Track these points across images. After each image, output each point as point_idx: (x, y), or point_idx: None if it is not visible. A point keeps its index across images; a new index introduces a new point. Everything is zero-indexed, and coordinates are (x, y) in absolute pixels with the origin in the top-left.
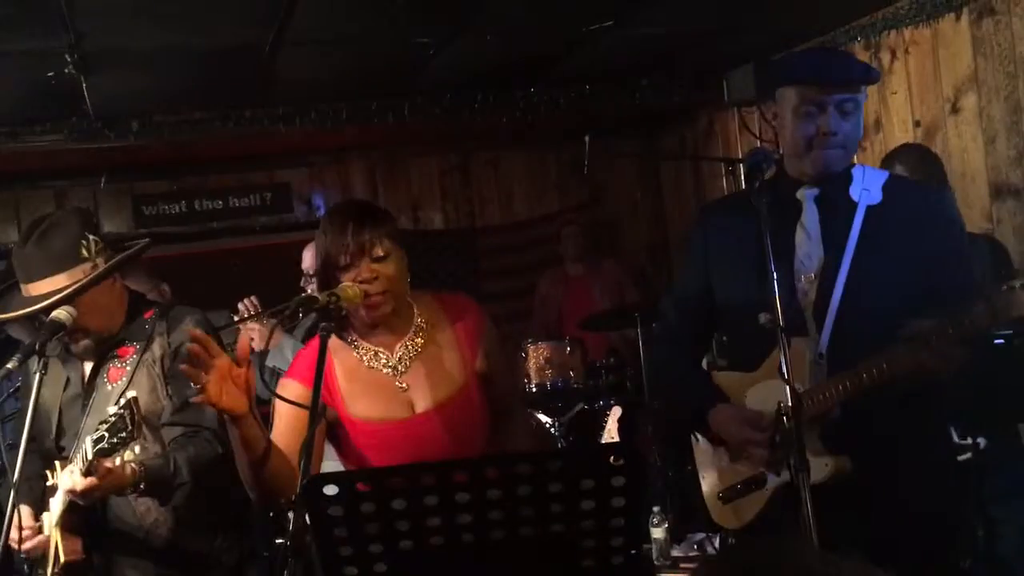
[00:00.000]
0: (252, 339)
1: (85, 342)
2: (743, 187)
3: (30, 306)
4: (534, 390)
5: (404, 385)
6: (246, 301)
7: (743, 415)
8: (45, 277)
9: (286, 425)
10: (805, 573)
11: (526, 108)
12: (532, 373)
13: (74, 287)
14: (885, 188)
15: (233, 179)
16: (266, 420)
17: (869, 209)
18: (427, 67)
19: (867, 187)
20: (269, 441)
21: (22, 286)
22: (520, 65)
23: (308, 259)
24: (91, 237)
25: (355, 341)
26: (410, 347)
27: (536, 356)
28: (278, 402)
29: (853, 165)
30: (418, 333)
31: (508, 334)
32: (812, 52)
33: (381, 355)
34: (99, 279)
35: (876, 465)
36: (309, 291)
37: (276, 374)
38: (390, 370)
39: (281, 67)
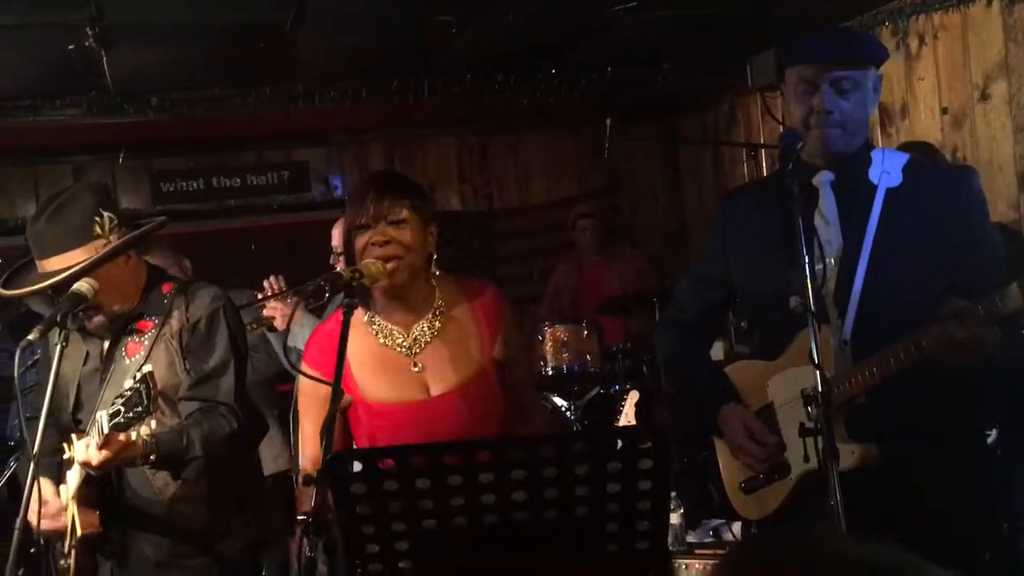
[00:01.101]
0: (274, 318)
1: (99, 319)
2: (764, 173)
3: (44, 282)
4: (550, 373)
5: (419, 366)
6: (271, 279)
7: (748, 423)
8: (58, 253)
9: (315, 411)
10: (839, 558)
11: (547, 90)
12: (549, 356)
13: (82, 264)
14: (905, 170)
15: (251, 157)
16: (285, 399)
17: (889, 192)
18: (448, 47)
19: (887, 170)
20: None
21: (37, 262)
22: (541, 47)
23: (337, 236)
24: (106, 214)
25: (373, 318)
26: (427, 328)
27: (553, 339)
28: (303, 388)
29: (872, 148)
30: (436, 315)
31: (522, 318)
32: (811, 32)
33: (397, 334)
34: (110, 256)
35: (903, 453)
36: (339, 268)
37: (298, 354)
38: (404, 350)
39: (302, 45)
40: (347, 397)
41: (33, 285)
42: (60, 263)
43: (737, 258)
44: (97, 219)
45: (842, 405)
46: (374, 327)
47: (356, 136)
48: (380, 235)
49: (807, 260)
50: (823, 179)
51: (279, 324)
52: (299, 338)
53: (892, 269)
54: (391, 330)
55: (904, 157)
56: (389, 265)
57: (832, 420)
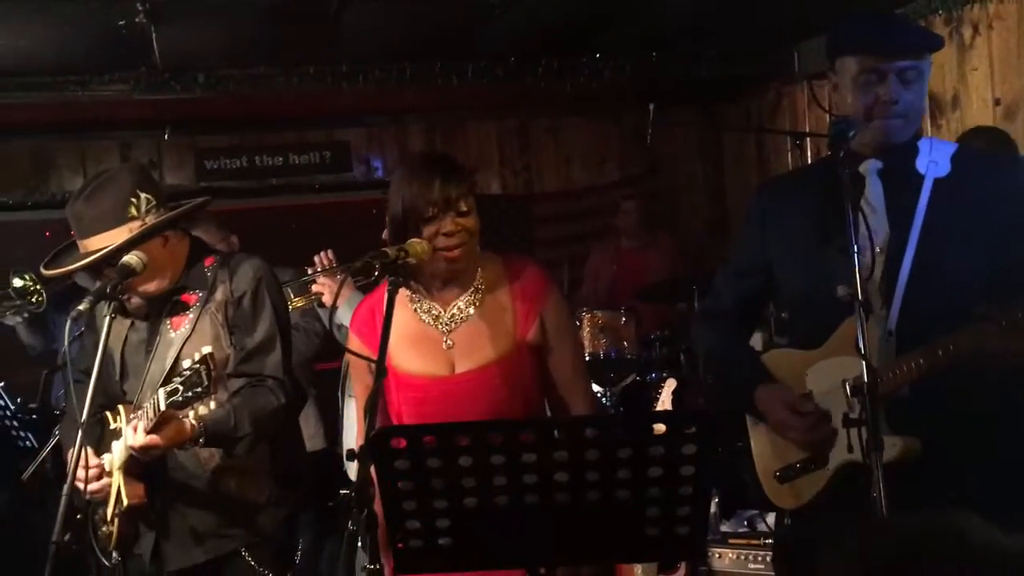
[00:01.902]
0: (323, 293)
1: (136, 300)
2: (809, 162)
3: (80, 261)
4: (587, 358)
5: (450, 342)
6: (322, 254)
7: (787, 397)
8: (95, 234)
9: (363, 382)
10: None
11: (590, 75)
12: (586, 341)
13: (116, 245)
14: (954, 160)
15: (293, 136)
16: (327, 374)
17: (937, 182)
18: (492, 29)
19: (935, 159)
20: None
21: (78, 242)
22: (586, 30)
23: None
24: (143, 195)
25: (415, 292)
26: (463, 306)
27: (591, 324)
28: (353, 361)
29: (920, 137)
30: (475, 294)
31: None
32: (870, 18)
33: (435, 310)
34: (144, 238)
35: (947, 447)
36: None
37: (346, 332)
38: (441, 326)
39: (346, 25)
40: None
41: (71, 264)
42: (98, 243)
43: (777, 247)
44: (133, 200)
45: (884, 396)
46: (415, 304)
47: (397, 117)
48: (452, 225)
49: (856, 249)
50: (870, 167)
51: (327, 299)
52: (346, 316)
53: (938, 260)
54: (430, 305)
55: (952, 147)
56: (455, 252)
57: (877, 412)
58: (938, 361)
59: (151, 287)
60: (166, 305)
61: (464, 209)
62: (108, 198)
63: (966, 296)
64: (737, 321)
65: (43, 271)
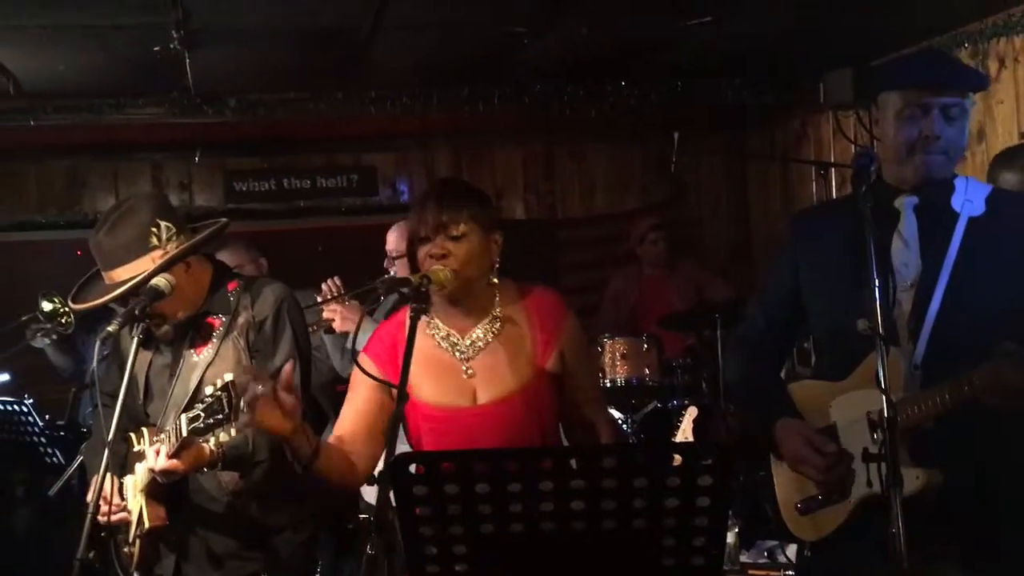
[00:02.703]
0: (333, 320)
1: (164, 328)
2: (834, 192)
3: (107, 294)
4: (608, 385)
5: (470, 371)
6: (329, 282)
7: (807, 434)
8: (118, 266)
9: (363, 400)
10: None
11: (615, 102)
12: (607, 368)
13: (137, 280)
14: (989, 200)
15: (321, 160)
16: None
17: (971, 221)
18: (519, 56)
19: (969, 198)
20: (317, 444)
21: (103, 273)
22: (612, 58)
23: (392, 240)
24: (163, 224)
25: (432, 320)
26: (482, 334)
27: (612, 351)
28: (356, 380)
29: (955, 176)
30: (494, 322)
31: (584, 328)
32: (918, 56)
33: (453, 337)
34: (167, 267)
35: (970, 481)
36: (392, 272)
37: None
38: (459, 354)
39: (375, 51)
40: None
41: (99, 297)
42: (123, 274)
43: (807, 278)
44: (154, 229)
45: (907, 430)
46: (432, 330)
47: (424, 142)
48: (438, 248)
49: (877, 283)
50: (906, 202)
51: (337, 326)
52: (362, 341)
53: (969, 297)
54: (448, 333)
55: (987, 188)
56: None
57: (897, 445)
58: (963, 396)
59: (178, 314)
60: (190, 330)
61: (456, 234)
62: (129, 230)
63: (994, 333)
64: (768, 350)
65: (71, 305)
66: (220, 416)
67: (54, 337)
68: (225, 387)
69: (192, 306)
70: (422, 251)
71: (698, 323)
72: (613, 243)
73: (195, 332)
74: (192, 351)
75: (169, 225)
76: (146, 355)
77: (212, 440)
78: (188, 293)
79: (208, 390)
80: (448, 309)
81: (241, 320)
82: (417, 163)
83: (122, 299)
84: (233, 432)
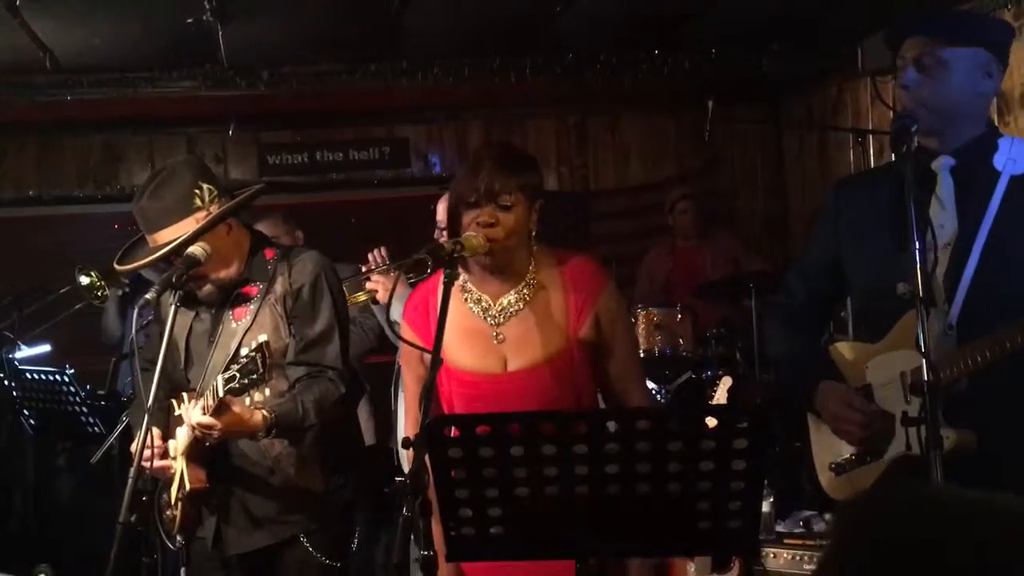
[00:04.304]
0: (377, 291)
1: (208, 288)
2: (872, 160)
3: (152, 255)
4: (642, 355)
5: (501, 336)
6: (375, 251)
7: (844, 395)
8: (163, 228)
9: (413, 369)
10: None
11: (649, 71)
12: (641, 338)
13: (185, 236)
14: None
15: (353, 132)
16: (378, 369)
17: (1013, 179)
18: (552, 25)
19: (1013, 157)
20: None
21: (147, 237)
22: (645, 26)
23: (441, 210)
24: (204, 186)
25: (466, 284)
26: (515, 300)
27: (646, 322)
28: (405, 353)
29: (1000, 135)
30: (527, 288)
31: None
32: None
33: (484, 302)
34: (212, 225)
35: (1004, 441)
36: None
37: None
38: (491, 319)
39: (407, 23)
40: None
41: (143, 259)
42: (167, 236)
43: (848, 245)
44: (197, 191)
45: (943, 389)
46: (466, 294)
47: (456, 114)
48: (487, 216)
49: (918, 247)
50: (943, 164)
51: (381, 296)
52: (398, 312)
53: (1007, 257)
54: (480, 298)
55: None
56: (489, 244)
57: (937, 408)
58: (1004, 352)
59: (221, 274)
60: (230, 296)
61: (507, 204)
62: (173, 192)
63: None
64: (809, 319)
65: (116, 267)
66: (255, 376)
67: (121, 293)
68: (260, 348)
69: (236, 268)
70: (468, 216)
71: (733, 293)
72: (647, 214)
73: (234, 299)
74: (231, 317)
75: (211, 187)
76: (185, 320)
77: (248, 401)
78: (229, 255)
79: (244, 351)
80: (482, 274)
81: (279, 287)
82: (449, 135)
83: (164, 262)
84: (267, 392)
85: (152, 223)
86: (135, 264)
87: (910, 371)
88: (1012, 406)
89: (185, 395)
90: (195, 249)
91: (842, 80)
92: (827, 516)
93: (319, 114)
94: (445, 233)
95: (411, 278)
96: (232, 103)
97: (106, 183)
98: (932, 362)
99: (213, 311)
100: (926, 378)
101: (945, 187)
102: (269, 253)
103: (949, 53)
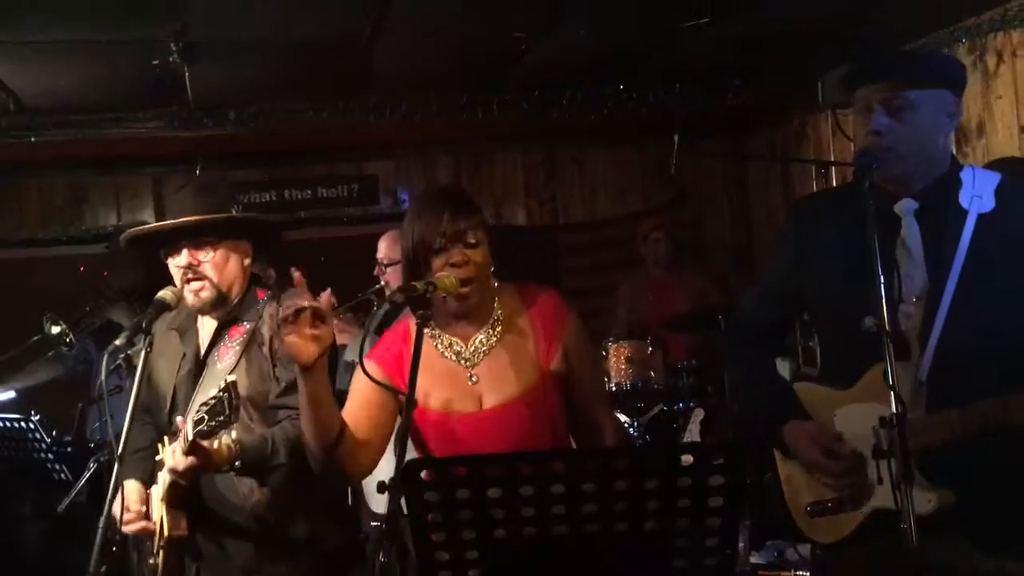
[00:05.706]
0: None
1: (209, 292)
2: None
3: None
4: (613, 389)
5: (475, 377)
6: (323, 295)
7: (820, 438)
8: (199, 214)
9: (359, 404)
10: None
11: (615, 106)
12: (612, 372)
13: (222, 215)
14: (998, 193)
15: (322, 170)
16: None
17: (981, 218)
18: (518, 63)
19: (978, 192)
20: (341, 417)
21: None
22: (610, 62)
23: (384, 248)
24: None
25: (434, 329)
26: (485, 340)
27: (617, 355)
28: (355, 385)
29: (961, 168)
30: (495, 326)
31: (590, 332)
32: (866, 54)
33: (456, 345)
34: (243, 223)
35: (983, 498)
36: (383, 281)
37: (353, 368)
38: (463, 361)
39: (377, 59)
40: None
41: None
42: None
43: (810, 267)
44: (234, 207)
45: (915, 451)
46: (435, 340)
47: (424, 150)
48: (459, 256)
49: (883, 281)
50: (905, 208)
51: (339, 340)
52: (352, 353)
53: (978, 304)
54: (450, 341)
55: (996, 177)
56: (464, 288)
57: (908, 447)
58: (968, 433)
59: (221, 286)
60: (224, 328)
61: (472, 241)
62: (215, 196)
63: (1006, 346)
64: (765, 342)
65: (130, 233)
66: (221, 418)
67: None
68: (226, 387)
69: (231, 292)
70: (438, 261)
71: (701, 324)
72: (615, 247)
73: (221, 340)
74: (216, 358)
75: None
76: (173, 366)
77: (216, 443)
78: (233, 276)
79: (212, 391)
80: (448, 318)
81: (265, 330)
82: (417, 171)
83: (132, 311)
84: (234, 434)
85: (189, 209)
86: (154, 226)
87: (888, 416)
88: (988, 458)
89: (166, 439)
90: (165, 293)
91: (803, 114)
92: (799, 547)
93: (287, 152)
94: (388, 271)
95: (359, 316)
96: (199, 143)
97: (70, 224)
98: (903, 399)
99: (200, 353)
100: (895, 410)
101: (912, 235)
102: (260, 294)
103: (916, 95)
